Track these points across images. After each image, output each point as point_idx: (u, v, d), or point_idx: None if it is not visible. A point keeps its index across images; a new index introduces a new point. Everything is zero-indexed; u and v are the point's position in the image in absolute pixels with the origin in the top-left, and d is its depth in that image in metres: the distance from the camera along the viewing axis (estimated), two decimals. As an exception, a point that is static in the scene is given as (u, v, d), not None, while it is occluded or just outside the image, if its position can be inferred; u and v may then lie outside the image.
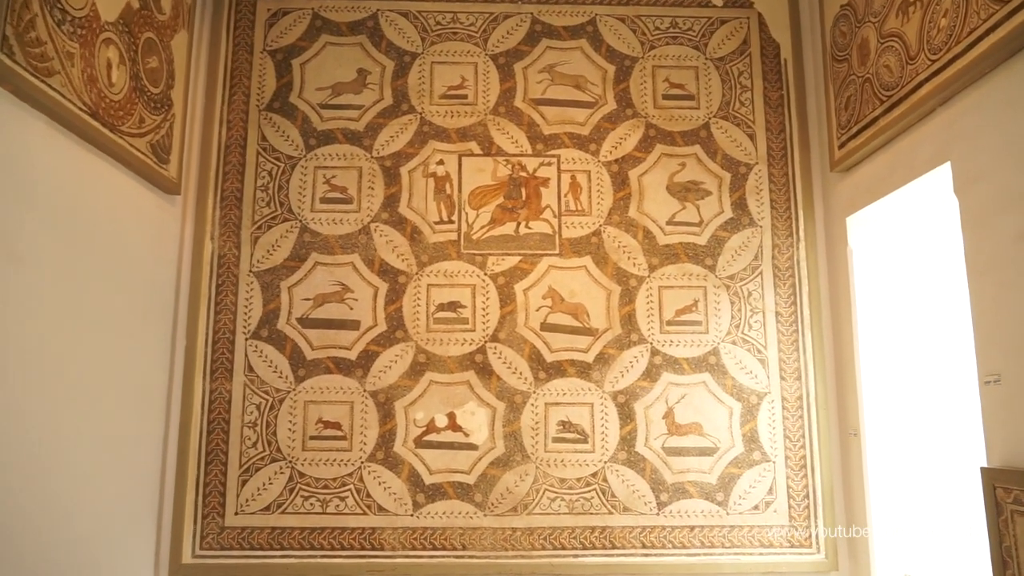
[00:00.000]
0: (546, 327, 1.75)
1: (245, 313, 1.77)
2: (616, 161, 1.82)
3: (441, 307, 1.76)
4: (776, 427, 1.71)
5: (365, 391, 1.72)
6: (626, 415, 1.71)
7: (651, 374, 1.73)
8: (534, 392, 1.72)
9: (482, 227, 1.79)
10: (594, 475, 1.69)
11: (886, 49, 1.46)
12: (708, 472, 1.69)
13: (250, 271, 1.79)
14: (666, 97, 1.85)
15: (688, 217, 1.79)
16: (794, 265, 1.77)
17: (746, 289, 1.76)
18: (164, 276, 1.71)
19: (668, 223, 1.79)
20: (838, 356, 1.72)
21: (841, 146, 1.67)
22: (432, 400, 1.73)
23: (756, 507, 1.68)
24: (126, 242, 1.48)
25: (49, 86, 1.06)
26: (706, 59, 1.86)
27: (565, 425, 1.71)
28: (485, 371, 1.73)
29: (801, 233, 1.78)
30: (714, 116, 1.83)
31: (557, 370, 1.73)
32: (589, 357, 1.74)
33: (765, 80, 1.84)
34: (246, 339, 1.75)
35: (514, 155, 1.82)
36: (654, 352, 1.74)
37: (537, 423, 1.71)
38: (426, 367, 1.73)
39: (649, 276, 1.77)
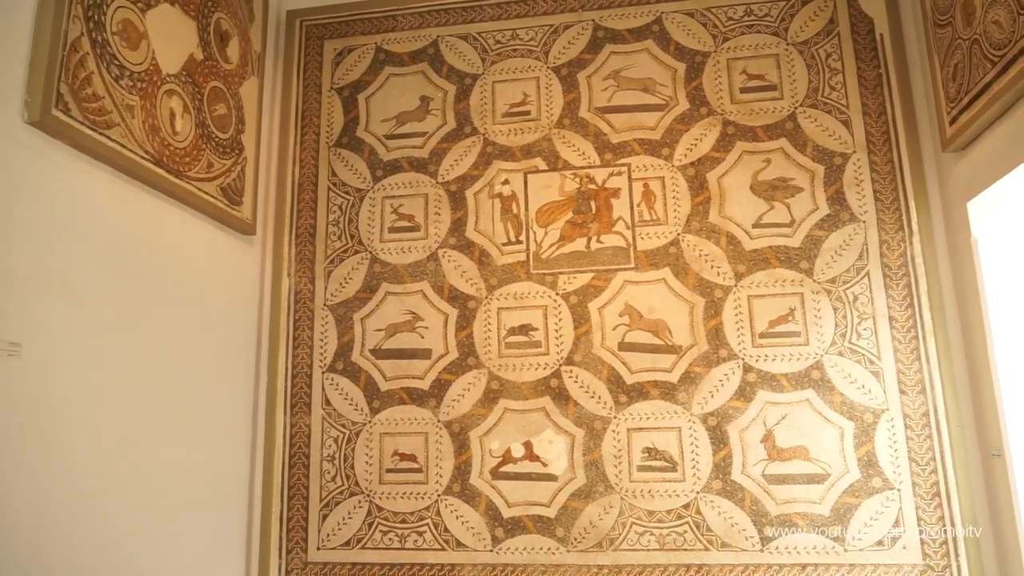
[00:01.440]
0: (624, 347, 1.92)
1: (321, 347, 2.09)
2: (692, 164, 1.98)
3: (512, 331, 1.99)
4: (899, 449, 1.74)
5: (439, 421, 1.97)
6: (719, 440, 1.82)
7: (745, 393, 1.83)
8: (615, 417, 1.88)
9: (551, 245, 2.01)
10: (686, 507, 1.80)
11: (993, 2, 1.52)
12: (819, 502, 1.75)
13: (324, 305, 2.12)
14: (744, 90, 2.00)
15: (777, 218, 1.91)
16: (908, 262, 1.82)
17: (851, 293, 1.83)
18: (246, 314, 2.08)
19: (755, 226, 1.91)
20: (970, 363, 1.74)
21: (952, 121, 1.73)
22: (507, 429, 1.94)
23: (881, 543, 1.71)
24: (203, 282, 1.88)
25: (108, 138, 1.45)
26: (787, 45, 1.99)
27: (651, 452, 1.85)
28: (561, 396, 1.92)
29: (914, 226, 1.84)
30: (800, 105, 1.95)
31: (639, 392, 1.88)
32: (673, 377, 1.87)
33: (858, 59, 1.94)
34: (323, 373, 2.07)
35: (581, 168, 2.04)
36: (747, 369, 1.84)
37: (620, 451, 1.86)
38: (499, 394, 1.95)
39: (736, 285, 1.89)
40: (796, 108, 1.98)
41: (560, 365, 1.97)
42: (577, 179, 2.07)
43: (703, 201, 1.99)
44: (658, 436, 1.89)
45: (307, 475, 2.05)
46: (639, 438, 1.90)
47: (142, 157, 1.54)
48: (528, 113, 2.16)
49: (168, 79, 1.67)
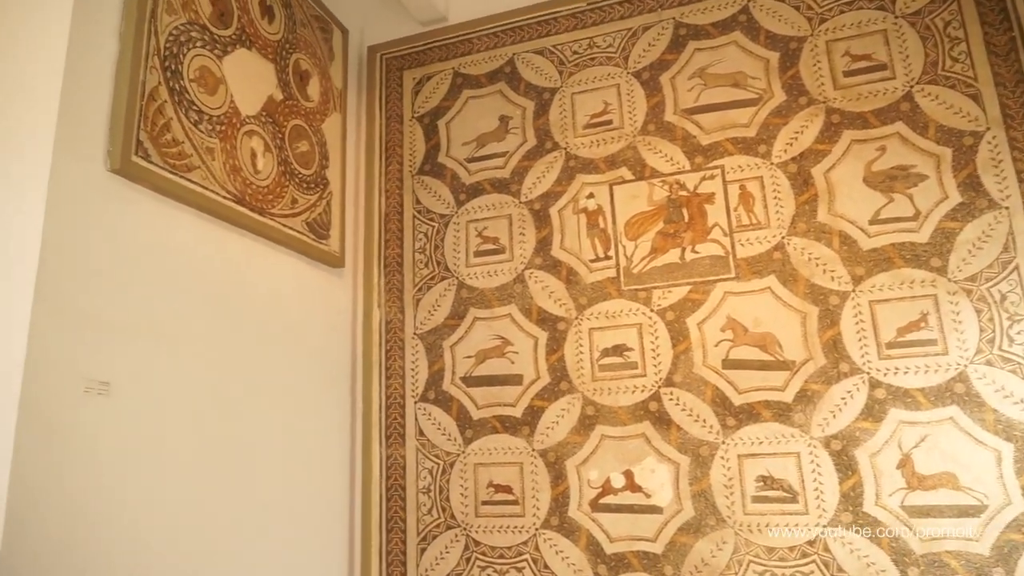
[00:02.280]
0: (729, 364, 1.78)
1: (412, 376, 2.09)
2: (793, 160, 1.83)
3: (606, 352, 1.90)
4: (1073, 474, 1.49)
5: (533, 450, 1.91)
6: (845, 466, 1.64)
7: (873, 412, 1.64)
8: (723, 442, 1.74)
9: (642, 259, 1.91)
10: (811, 543, 1.63)
11: None
12: (976, 539, 1.53)
13: (414, 334, 2.12)
14: (849, 73, 1.83)
15: (898, 211, 1.72)
16: (1067, 252, 1.57)
17: (996, 292, 1.61)
18: (339, 345, 2.12)
19: (872, 222, 1.73)
20: None
21: (1111, 84, 1.48)
22: (605, 457, 1.84)
23: (1058, 587, 1.45)
24: (294, 316, 1.92)
25: (189, 180, 1.50)
26: (896, 18, 1.81)
27: (766, 481, 1.69)
28: (662, 421, 1.80)
29: (1071, 208, 1.58)
30: (917, 83, 1.76)
31: (748, 414, 1.73)
32: (787, 396, 1.71)
33: (984, 24, 1.73)
34: (415, 403, 2.07)
35: (670, 174, 1.94)
36: (874, 384, 1.66)
37: (731, 479, 1.72)
38: (595, 420, 1.86)
39: (854, 290, 1.71)
40: (912, 87, 1.78)
41: (659, 387, 1.85)
42: (666, 187, 1.97)
43: (809, 199, 1.82)
44: (774, 463, 1.72)
45: (404, 508, 2.04)
46: (752, 465, 1.74)
47: (224, 197, 1.60)
48: (610, 122, 2.08)
49: (248, 120, 1.74)
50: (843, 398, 1.69)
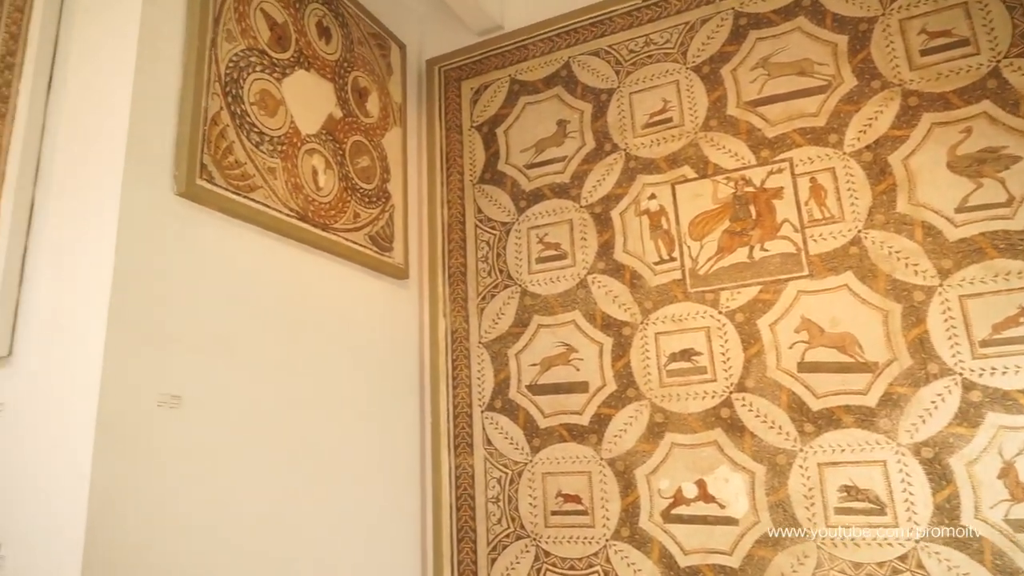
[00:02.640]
0: (806, 367, 1.70)
1: (479, 385, 2.10)
2: (868, 148, 1.73)
3: (673, 357, 1.85)
4: None
5: (601, 459, 1.88)
6: (938, 475, 1.53)
7: (968, 416, 1.53)
8: (801, 450, 1.66)
9: (708, 259, 1.86)
10: (902, 558, 1.53)
11: None
12: (1092, 554, 1.39)
13: (479, 343, 2.14)
14: (926, 52, 1.72)
15: (988, 197, 1.60)
16: None
17: (1107, 280, 1.46)
18: (406, 356, 2.16)
19: (959, 210, 1.62)
20: None
21: None
22: (676, 466, 1.79)
23: None
24: (360, 329, 1.97)
25: (252, 200, 1.55)
26: (979, -12, 1.68)
27: (850, 491, 1.60)
28: (735, 428, 1.74)
29: None
30: (1005, 56, 1.64)
31: (828, 420, 1.65)
32: (871, 400, 1.62)
33: (1082, -12, 1.58)
34: (482, 412, 2.08)
35: (735, 170, 1.88)
36: (968, 386, 1.54)
37: (811, 489, 1.64)
38: (665, 428, 1.82)
39: (942, 284, 1.60)
40: (998, 61, 1.65)
41: (730, 392, 1.79)
42: (731, 183, 1.90)
43: (887, 189, 1.71)
44: (858, 472, 1.63)
45: (473, 517, 2.05)
46: (834, 474, 1.65)
47: (287, 215, 1.66)
48: (670, 120, 2.03)
49: (308, 139, 1.80)
50: (933, 401, 1.58)
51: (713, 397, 1.80)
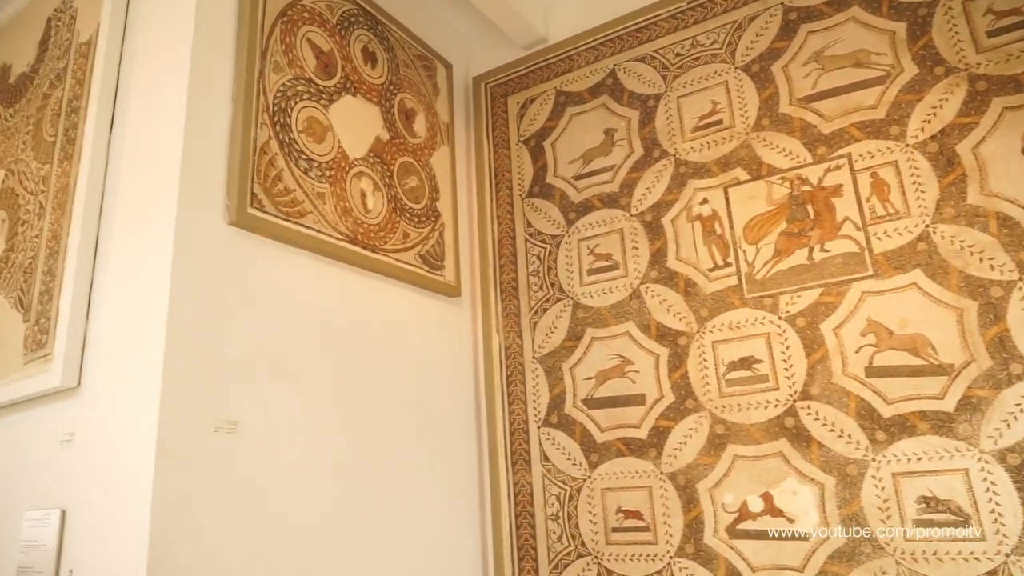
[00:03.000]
0: (874, 372, 1.63)
1: (534, 401, 2.10)
2: (933, 138, 1.66)
3: (732, 366, 1.80)
4: None
5: (662, 473, 1.84)
6: (1028, 484, 1.43)
7: (1059, 419, 1.42)
8: (873, 459, 1.59)
9: (766, 263, 1.80)
10: (991, 573, 1.43)
11: None
12: None
13: (533, 358, 2.14)
14: (994, 33, 1.64)
15: (1071, 183, 1.49)
16: None
17: None
18: (461, 374, 2.18)
19: (1038, 199, 1.52)
20: None
21: None
22: (740, 479, 1.74)
23: None
24: (414, 348, 2.00)
25: (302, 225, 1.60)
26: (1048, -38, 1.59)
27: (929, 502, 1.51)
28: (800, 437, 1.67)
29: None
30: (1082, 32, 1.53)
31: (901, 427, 1.57)
32: (948, 405, 1.53)
33: None
34: (538, 427, 2.07)
35: (790, 169, 1.83)
36: (1057, 386, 1.44)
37: (886, 501, 1.56)
38: (726, 439, 1.77)
39: (1022, 278, 1.50)
40: (1076, 37, 1.55)
41: (794, 401, 1.72)
42: (787, 183, 1.84)
43: (956, 180, 1.63)
44: (937, 482, 1.53)
45: (534, 535, 2.04)
46: (911, 485, 1.56)
47: (337, 238, 1.71)
48: (720, 122, 2.00)
49: (356, 163, 1.85)
50: (1018, 404, 1.47)
51: (776, 406, 1.74)
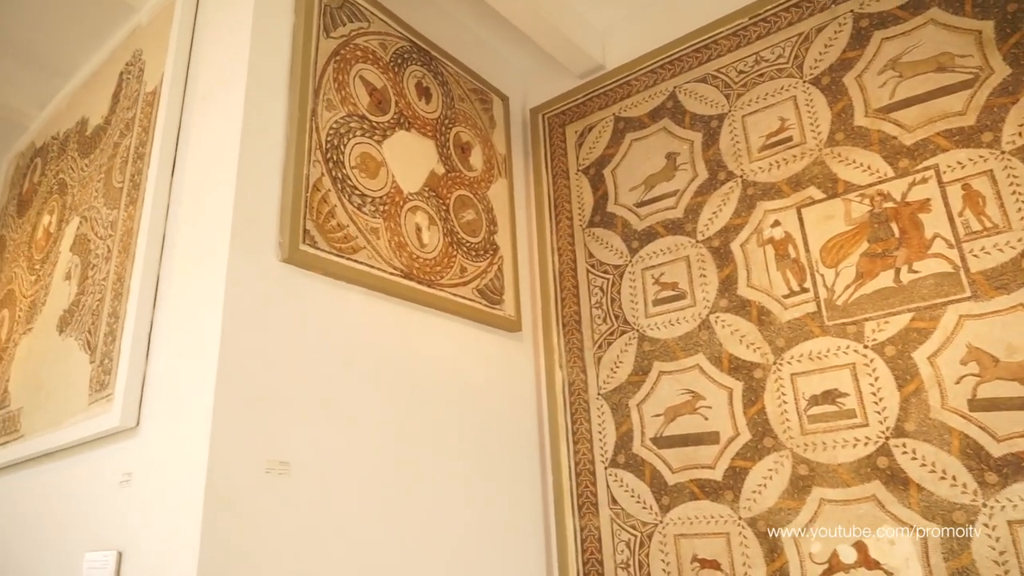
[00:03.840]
0: (979, 405, 1.47)
1: (600, 440, 2.01)
2: (1033, 143, 1.51)
3: (814, 400, 1.67)
4: None
5: (740, 519, 1.71)
6: None
7: None
8: (983, 505, 1.42)
9: (847, 287, 1.68)
10: None
11: None
12: None
13: (598, 394, 2.06)
14: (1098, 25, 1.49)
15: None
16: None
17: None
18: (523, 411, 2.11)
19: None
20: None
21: None
22: (829, 526, 1.60)
23: None
24: (473, 385, 1.95)
25: (356, 261, 1.58)
26: None
27: (1055, 555, 1.33)
28: (896, 479, 1.52)
29: None
30: None
31: (1016, 468, 1.41)
32: (1070, 442, 1.36)
33: None
34: (605, 468, 1.98)
35: (869, 185, 1.71)
36: None
37: (1002, 553, 1.38)
38: (811, 481, 1.63)
39: None
40: None
41: (887, 438, 1.57)
42: (866, 200, 1.72)
43: (1063, 188, 1.47)
44: (1062, 531, 1.35)
45: (603, 585, 1.93)
46: (1030, 534, 1.38)
47: (391, 273, 1.70)
48: (789, 139, 1.89)
49: (411, 197, 1.85)
50: None
51: (866, 444, 1.59)
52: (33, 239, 2.17)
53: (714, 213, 1.98)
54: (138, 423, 1.46)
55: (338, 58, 1.76)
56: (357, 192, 1.67)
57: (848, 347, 1.67)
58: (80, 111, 2.18)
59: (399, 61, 1.98)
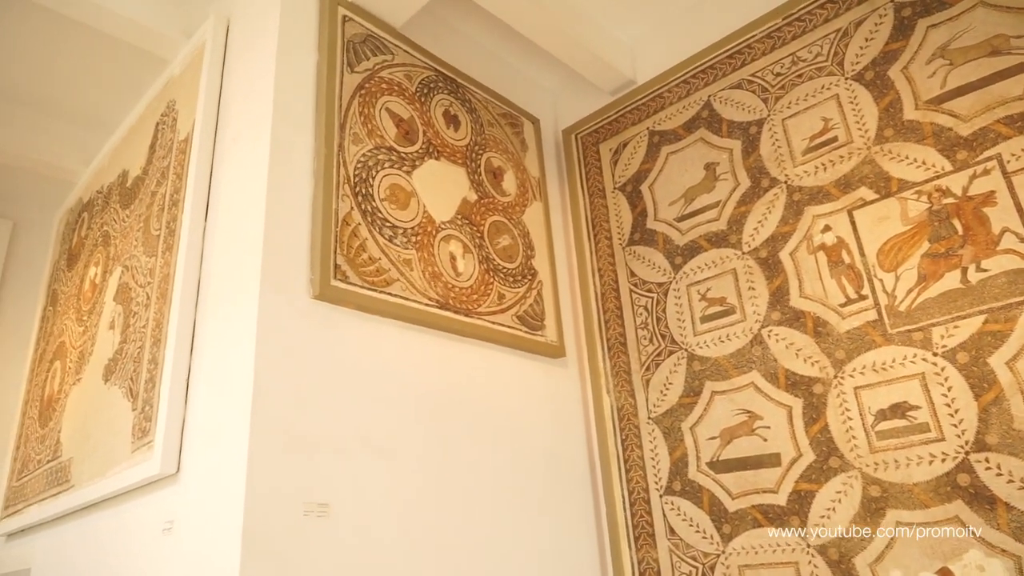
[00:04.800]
0: (1070, 412, 1.34)
1: (653, 466, 1.93)
2: (1106, 123, 1.39)
3: (882, 414, 1.57)
4: None
5: (809, 546, 1.60)
6: None
7: None
8: (1084, 523, 1.28)
9: (909, 291, 1.58)
10: None
11: None
12: None
13: (649, 418, 1.97)
14: None
15: None
16: None
17: None
18: (571, 440, 2.05)
19: None
20: None
21: None
22: (908, 552, 1.48)
23: None
24: (517, 415, 1.89)
25: (389, 294, 1.56)
26: None
27: None
28: (981, 498, 1.40)
29: None
30: None
31: (1118, 481, 1.27)
32: None
33: None
34: (660, 496, 1.89)
35: (926, 181, 1.60)
36: None
37: (1111, 578, 1.24)
38: (884, 503, 1.52)
39: None
40: None
41: (967, 453, 1.44)
42: (924, 197, 1.61)
43: None
44: None
45: (666, 622, 1.83)
46: None
47: (427, 304, 1.67)
48: (835, 139, 1.80)
49: (443, 226, 1.82)
50: None
51: (944, 460, 1.47)
52: (81, 291, 2.23)
53: (759, 222, 1.90)
54: (178, 469, 1.45)
55: (363, 92, 1.76)
56: (388, 224, 1.65)
57: (915, 356, 1.55)
58: (121, 164, 2.24)
59: (425, 91, 1.97)
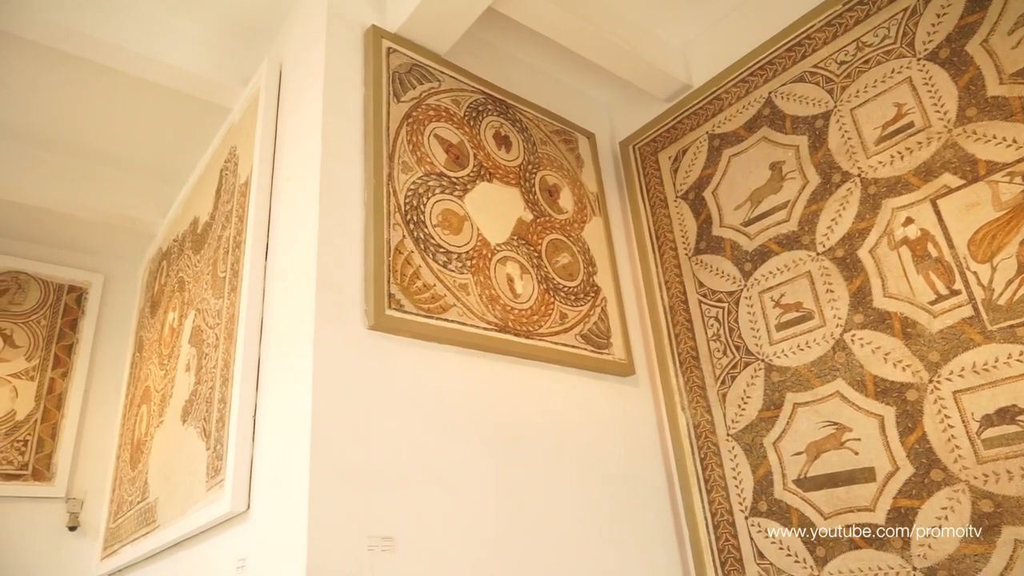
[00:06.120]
0: None
1: (736, 486, 1.83)
2: None
3: (988, 420, 1.42)
4: None
5: (915, 569, 1.46)
6: None
7: None
8: None
9: (1008, 282, 1.44)
10: None
11: None
12: None
13: (728, 435, 1.88)
14: None
15: None
16: None
17: None
18: (647, 461, 1.96)
19: None
20: None
21: None
22: (1032, 574, 1.31)
23: None
24: (587, 438, 1.82)
25: (446, 320, 1.54)
26: None
27: None
28: (1114, 511, 1.24)
29: None
30: None
31: None
32: None
33: None
34: (746, 518, 1.78)
35: (1018, 161, 1.47)
36: None
37: None
38: (999, 520, 1.37)
39: None
40: None
41: (1092, 460, 1.29)
42: (1017, 179, 1.47)
43: None
44: None
45: (762, 654, 1.70)
46: None
47: (485, 328, 1.64)
48: (911, 125, 1.68)
49: (499, 248, 1.80)
50: None
51: (1066, 470, 1.31)
52: (162, 336, 2.33)
53: (833, 220, 1.78)
54: (248, 507, 1.47)
55: (411, 120, 1.77)
56: (442, 250, 1.64)
57: (1021, 353, 1.40)
58: (192, 212, 2.34)
59: (474, 114, 1.97)
